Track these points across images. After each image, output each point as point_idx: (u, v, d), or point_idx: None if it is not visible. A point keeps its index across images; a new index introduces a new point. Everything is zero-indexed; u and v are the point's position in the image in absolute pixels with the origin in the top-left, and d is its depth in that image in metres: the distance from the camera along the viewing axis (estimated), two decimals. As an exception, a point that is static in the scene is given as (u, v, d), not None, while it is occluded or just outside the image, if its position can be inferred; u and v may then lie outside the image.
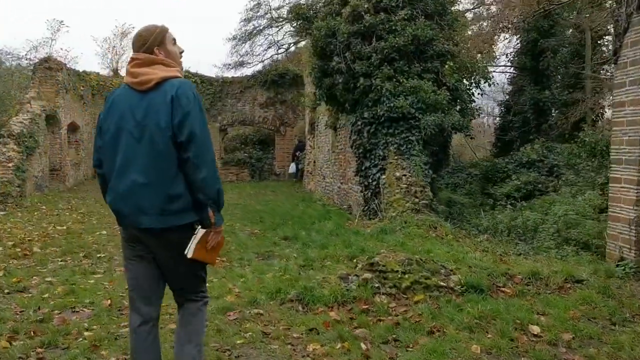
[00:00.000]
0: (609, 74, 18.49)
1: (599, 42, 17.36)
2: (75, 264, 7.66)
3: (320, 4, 13.21)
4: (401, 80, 11.14)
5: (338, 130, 15.02)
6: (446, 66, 11.43)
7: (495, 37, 14.98)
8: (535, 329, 4.22)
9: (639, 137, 5.49)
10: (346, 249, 8.38)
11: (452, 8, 12.43)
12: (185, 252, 2.84)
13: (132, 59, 2.97)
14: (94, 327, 4.70)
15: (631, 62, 5.60)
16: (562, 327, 4.30)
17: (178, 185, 2.81)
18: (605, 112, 17.27)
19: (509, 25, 13.99)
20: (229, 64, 27.96)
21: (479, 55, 13.24)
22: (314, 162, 19.78)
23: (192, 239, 2.86)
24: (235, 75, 26.32)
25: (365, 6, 11.70)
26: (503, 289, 5.16)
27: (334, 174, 15.58)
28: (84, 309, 5.41)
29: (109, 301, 5.63)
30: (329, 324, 4.51)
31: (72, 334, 4.49)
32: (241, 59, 28.65)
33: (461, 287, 5.07)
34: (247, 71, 28.58)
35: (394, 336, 4.23)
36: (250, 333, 4.41)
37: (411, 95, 10.99)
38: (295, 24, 15.09)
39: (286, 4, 22.83)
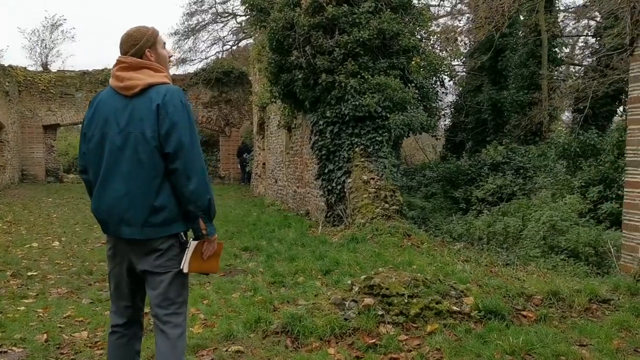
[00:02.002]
0: (558, 77, 18.47)
1: (553, 42, 17.20)
2: (1, 285, 6.47)
3: (275, -5, 12.28)
4: (366, 77, 10.38)
5: (293, 130, 14.14)
6: (413, 62, 10.75)
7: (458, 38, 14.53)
8: (582, 366, 3.50)
9: (663, 137, 4.90)
10: (317, 261, 7.56)
11: (417, 2, 11.79)
12: (181, 267, 2.82)
13: (118, 62, 2.87)
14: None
15: (652, 52, 5.01)
16: (610, 361, 3.60)
17: (163, 196, 2.75)
18: (563, 113, 17.16)
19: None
20: (171, 61, 26.45)
21: (444, 52, 12.71)
22: (264, 164, 18.83)
23: (186, 252, 2.82)
24: (177, 73, 25.02)
25: (327, -3, 10.87)
26: (524, 312, 4.43)
27: (289, 177, 14.68)
28: (14, 348, 4.35)
29: (45, 335, 4.58)
30: (330, 365, 3.65)
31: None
32: (184, 56, 27.30)
33: (478, 313, 4.30)
34: (190, 68, 27.25)
35: (415, 381, 3.42)
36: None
37: (377, 93, 10.25)
38: (248, 16, 14.08)
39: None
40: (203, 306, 5.49)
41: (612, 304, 4.60)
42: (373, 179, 9.78)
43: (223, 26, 25.12)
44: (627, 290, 4.89)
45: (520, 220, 8.70)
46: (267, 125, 17.96)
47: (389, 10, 10.92)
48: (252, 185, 20.82)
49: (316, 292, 5.87)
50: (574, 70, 19.57)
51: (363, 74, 10.42)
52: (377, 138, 10.17)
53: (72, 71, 23.26)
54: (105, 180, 2.80)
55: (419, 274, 4.74)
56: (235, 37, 25.56)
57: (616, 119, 16.85)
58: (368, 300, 4.24)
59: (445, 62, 11.49)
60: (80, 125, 21.06)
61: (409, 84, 10.66)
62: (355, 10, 10.78)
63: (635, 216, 5.24)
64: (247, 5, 12.13)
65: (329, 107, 10.66)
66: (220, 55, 25.86)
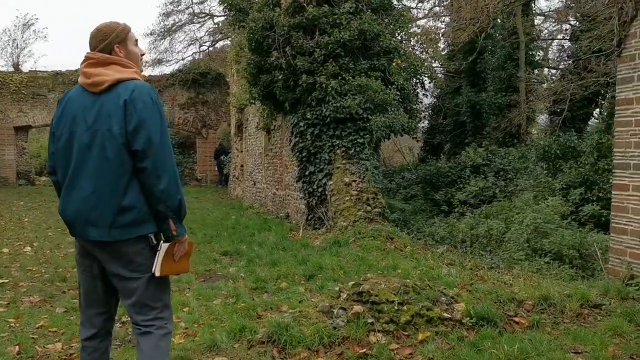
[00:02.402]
0: (535, 80, 18.59)
1: (529, 45, 17.30)
2: (-30, 294, 6.18)
3: (254, -5, 12.09)
4: (347, 78, 10.25)
5: (272, 132, 13.96)
6: (393, 64, 10.65)
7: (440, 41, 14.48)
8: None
9: (653, 139, 4.84)
10: (300, 266, 7.38)
11: (397, 4, 11.71)
12: (153, 271, 2.72)
13: (86, 58, 2.79)
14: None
15: (641, 54, 4.95)
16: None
17: (131, 195, 2.66)
18: (540, 115, 17.24)
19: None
20: (146, 61, 26.05)
21: (424, 53, 12.66)
22: (242, 166, 18.60)
23: (157, 256, 2.72)
24: (153, 74, 24.62)
25: (307, -3, 10.72)
26: (515, 318, 4.32)
27: (268, 180, 14.49)
28: (-16, 361, 4.11)
29: (17, 347, 4.35)
30: (320, 376, 3.49)
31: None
32: (160, 56, 26.88)
33: (470, 319, 4.18)
34: (166, 69, 26.85)
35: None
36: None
37: (359, 95, 10.13)
38: (226, 16, 13.85)
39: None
40: (184, 314, 5.29)
41: (603, 309, 4.52)
42: (355, 181, 9.65)
43: (200, 27, 24.85)
44: (617, 295, 4.82)
45: (503, 223, 8.64)
46: (245, 127, 17.74)
47: (369, 11, 10.82)
48: (229, 187, 20.56)
49: (300, 299, 5.70)
50: (548, 73, 19.72)
51: (344, 75, 10.29)
52: (358, 140, 10.05)
53: (44, 72, 22.75)
54: (73, 180, 2.72)
55: (408, 280, 4.61)
56: (212, 38, 25.25)
57: (592, 121, 17.01)
58: (357, 308, 4.09)
59: (426, 64, 11.41)
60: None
61: (390, 86, 10.56)
62: (336, 10, 10.65)
63: (624, 219, 5.18)
64: (225, 5, 11.91)
65: (309, 108, 10.51)
66: (197, 56, 25.53)
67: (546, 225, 7.77)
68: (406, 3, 14.81)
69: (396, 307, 4.12)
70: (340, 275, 6.79)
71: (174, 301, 5.60)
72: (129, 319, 2.90)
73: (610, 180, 9.60)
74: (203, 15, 23.88)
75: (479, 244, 8.42)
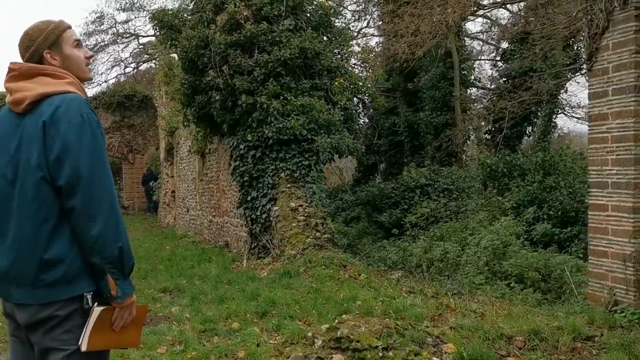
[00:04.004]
0: (471, 99, 18.83)
1: (462, 65, 17.47)
2: None
3: (187, 12, 11.44)
4: (289, 98, 9.77)
5: (207, 155, 13.26)
6: (336, 83, 10.27)
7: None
8: None
9: (632, 155, 4.59)
10: (250, 301, 6.75)
11: (337, 22, 11.39)
12: (79, 343, 2.08)
13: (8, 70, 2.23)
14: None
15: (615, 67, 4.73)
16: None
17: (58, 245, 2.08)
18: (477, 134, 17.37)
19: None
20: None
21: (365, 72, 12.39)
22: (173, 192, 17.70)
23: (86, 324, 2.08)
24: (74, 97, 23.22)
25: (245, 14, 10.20)
26: (509, 358, 3.90)
27: (203, 206, 13.73)
28: None
29: None
30: None
31: None
32: (81, 78, 25.42)
33: (463, 364, 3.72)
34: (89, 92, 25.49)
35: None
36: None
37: (302, 115, 9.65)
38: (153, 36, 13.13)
39: (134, 17, 20.64)
40: (125, 368, 4.57)
41: (596, 342, 4.18)
42: (301, 205, 9.12)
43: (124, 47, 23.71)
44: (605, 323, 4.51)
45: (458, 245, 8.34)
46: (176, 151, 16.91)
47: (309, 28, 10.43)
48: (159, 215, 19.54)
49: (257, 341, 5.08)
50: (478, 92, 20.04)
51: (286, 95, 9.81)
52: (303, 162, 9.55)
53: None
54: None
55: (387, 319, 4.12)
56: (137, 59, 24.22)
57: (525, 139, 17.30)
58: (337, 358, 3.54)
59: (368, 84, 11.11)
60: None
61: (334, 106, 10.17)
62: (275, 28, 10.18)
63: (603, 241, 4.91)
64: (155, 22, 11.20)
65: (250, 130, 9.93)
66: (121, 78, 24.37)
67: (504, 248, 7.51)
68: (342, 22, 14.51)
69: (381, 354, 3.61)
70: (296, 311, 6.23)
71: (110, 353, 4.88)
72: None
73: (560, 198, 9.65)
74: (128, 35, 22.85)
75: (435, 269, 8.08)
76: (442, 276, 7.89)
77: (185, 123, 12.09)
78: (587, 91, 5.11)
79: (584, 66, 15.74)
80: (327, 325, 3.95)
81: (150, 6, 22.44)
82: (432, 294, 6.81)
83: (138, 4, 22.13)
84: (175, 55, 15.11)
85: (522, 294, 6.70)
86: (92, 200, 2.04)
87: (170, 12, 11.39)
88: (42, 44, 2.23)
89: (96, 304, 2.14)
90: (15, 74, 2.21)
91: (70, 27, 2.35)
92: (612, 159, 4.79)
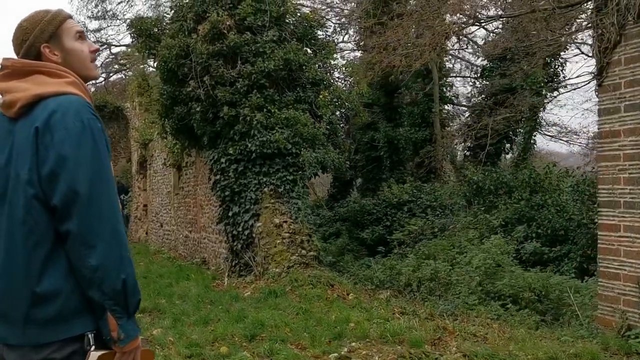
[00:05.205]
0: (450, 115, 18.85)
1: (441, 82, 17.46)
2: None
3: (166, 21, 11.08)
4: (273, 111, 9.48)
5: (184, 169, 12.86)
6: (320, 96, 10.03)
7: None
8: None
9: (646, 174, 4.43)
10: (237, 323, 6.38)
11: (320, 34, 11.18)
12: None
13: (0, 67, 1.89)
14: None
15: (628, 82, 4.58)
16: None
17: (51, 275, 1.73)
18: (457, 150, 17.35)
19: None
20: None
21: (348, 86, 12.20)
22: (145, 206, 17.19)
23: None
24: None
25: (228, 23, 9.89)
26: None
27: (178, 221, 13.28)
28: None
29: None
30: None
31: None
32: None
33: (484, 396, 3.45)
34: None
35: None
36: None
37: (287, 128, 9.37)
38: (133, 45, 12.72)
39: (107, 26, 20.14)
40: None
41: (617, 370, 3.96)
42: (286, 222, 8.81)
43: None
44: (620, 350, 4.31)
45: (448, 264, 8.13)
46: (149, 164, 16.43)
47: (294, 40, 10.18)
48: (130, 229, 18.95)
49: (251, 368, 4.76)
50: (457, 109, 20.09)
51: (269, 107, 9.51)
52: (288, 177, 9.24)
53: None
54: None
55: (400, 347, 3.83)
56: (108, 69, 23.67)
57: (504, 156, 17.32)
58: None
59: (352, 98, 10.90)
60: None
61: (319, 119, 9.92)
62: (259, 39, 9.89)
63: (615, 262, 4.73)
64: (134, 30, 10.81)
65: (232, 143, 9.59)
66: (91, 89, 23.75)
67: (496, 267, 7.32)
68: (325, 35, 14.36)
69: (398, 387, 3.32)
70: (287, 334, 5.91)
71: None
72: None
73: (548, 216, 9.54)
74: (99, 44, 22.29)
75: (426, 288, 7.84)
76: (433, 296, 7.67)
77: (163, 135, 11.67)
78: (597, 107, 4.95)
79: (562, 84, 15.98)
80: (336, 354, 3.65)
81: (124, 15, 21.96)
82: (426, 316, 6.58)
83: (111, 12, 21.64)
84: (150, 64, 14.75)
85: (518, 315, 6.52)
86: (90, 223, 1.71)
87: (149, 20, 11.01)
88: (39, 37, 1.91)
89: (93, 347, 1.80)
90: (7, 72, 1.88)
91: (70, 17, 2.00)
92: (624, 178, 4.62)
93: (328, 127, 9.92)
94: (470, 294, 7.33)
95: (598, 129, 4.94)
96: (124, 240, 1.79)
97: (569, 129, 20.19)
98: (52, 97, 1.79)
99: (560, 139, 20.52)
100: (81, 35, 2.00)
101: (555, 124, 20.35)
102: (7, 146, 1.82)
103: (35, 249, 1.75)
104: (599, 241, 4.94)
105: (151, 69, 14.99)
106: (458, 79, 19.85)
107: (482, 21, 9.61)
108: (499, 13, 9.19)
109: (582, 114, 27.39)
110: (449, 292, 7.67)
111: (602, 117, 4.85)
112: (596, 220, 8.09)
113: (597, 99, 4.96)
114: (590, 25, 5.00)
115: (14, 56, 1.98)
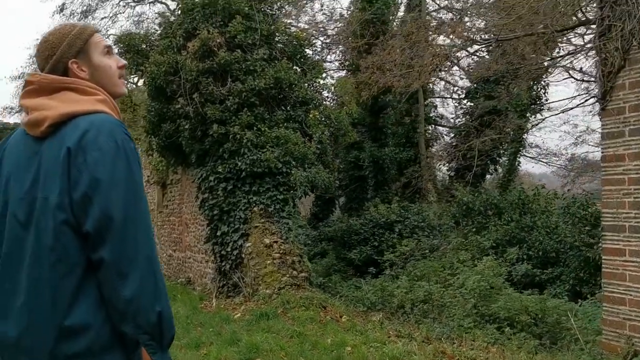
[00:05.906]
0: (434, 136, 18.94)
1: (425, 103, 17.57)
2: None
3: (155, 37, 10.97)
4: (263, 130, 9.38)
5: (169, 186, 12.66)
6: (310, 115, 9.97)
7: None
8: None
9: (653, 198, 4.42)
10: (230, 347, 6.22)
11: (310, 53, 11.18)
12: None
13: (26, 83, 1.77)
14: None
15: (633, 106, 4.59)
16: None
17: (81, 307, 1.59)
18: (439, 170, 17.43)
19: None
20: (12, 108, 23.35)
21: (337, 106, 12.18)
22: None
23: None
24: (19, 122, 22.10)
25: (218, 41, 9.81)
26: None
27: (162, 240, 13.04)
28: None
29: None
30: None
31: None
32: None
33: None
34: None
35: None
36: None
37: (277, 147, 9.27)
38: (124, 58, 12.51)
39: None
40: None
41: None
42: (276, 242, 8.67)
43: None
44: (629, 376, 4.25)
45: (441, 286, 8.06)
46: (132, 181, 16.14)
47: (284, 58, 10.14)
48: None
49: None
50: (442, 130, 20.23)
51: (259, 126, 9.42)
52: (278, 196, 9.12)
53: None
54: (3, 279, 1.69)
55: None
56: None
57: (488, 176, 17.44)
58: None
59: (341, 117, 10.87)
60: None
61: (309, 138, 9.85)
62: (249, 57, 9.83)
63: (620, 287, 4.69)
64: (122, 45, 10.68)
65: (221, 161, 9.46)
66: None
67: (490, 289, 7.27)
68: (314, 54, 14.45)
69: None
70: (282, 358, 5.76)
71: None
72: None
73: (539, 238, 9.55)
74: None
75: (419, 310, 7.74)
76: (427, 318, 7.57)
77: (149, 152, 11.48)
78: (601, 131, 4.96)
79: (545, 107, 16.18)
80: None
81: (107, 30, 21.71)
82: (423, 339, 6.49)
83: (95, 28, 21.39)
84: (134, 81, 14.57)
85: (515, 338, 6.45)
86: (125, 251, 1.60)
87: (137, 35, 10.89)
88: (67, 52, 1.80)
89: None
90: (33, 87, 1.76)
91: (98, 31, 1.92)
92: (629, 202, 4.60)
93: (318, 146, 9.84)
94: (465, 316, 7.26)
95: (602, 152, 4.94)
96: (158, 269, 1.67)
97: (548, 150, 20.44)
98: (83, 115, 1.68)
99: (541, 160, 20.74)
100: (109, 50, 1.91)
101: (537, 146, 20.60)
102: (32, 167, 1.71)
103: (64, 279, 1.62)
104: (603, 265, 4.91)
105: (134, 85, 14.80)
106: (438, 99, 19.98)
107: (479, 43, 9.70)
108: (491, 37, 9.33)
109: (560, 137, 27.76)
110: (443, 315, 7.59)
111: (605, 141, 4.85)
112: (589, 242, 8.18)
113: (579, 122, 4.96)
114: (589, 49, 5.01)
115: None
